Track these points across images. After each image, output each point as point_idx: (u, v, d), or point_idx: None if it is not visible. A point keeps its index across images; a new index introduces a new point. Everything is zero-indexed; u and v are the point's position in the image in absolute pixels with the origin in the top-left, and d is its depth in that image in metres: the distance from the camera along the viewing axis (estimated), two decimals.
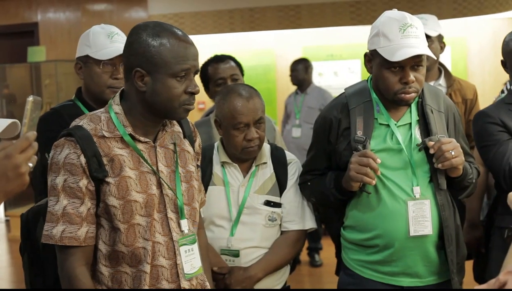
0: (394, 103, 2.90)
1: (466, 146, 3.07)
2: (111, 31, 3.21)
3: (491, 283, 1.64)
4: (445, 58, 7.55)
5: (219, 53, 4.21)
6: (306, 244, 7.73)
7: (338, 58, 10.50)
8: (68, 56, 8.38)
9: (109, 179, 2.33)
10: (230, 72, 3.95)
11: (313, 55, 10.33)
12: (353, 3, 9.83)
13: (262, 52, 10.67)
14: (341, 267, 3.21)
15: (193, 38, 8.71)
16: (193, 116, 7.27)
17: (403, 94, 2.82)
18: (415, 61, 2.79)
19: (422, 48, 2.78)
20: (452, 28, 9.49)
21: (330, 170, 3.06)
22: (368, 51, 2.93)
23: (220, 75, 3.94)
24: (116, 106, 2.42)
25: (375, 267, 2.96)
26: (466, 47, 10.04)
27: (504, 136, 3.17)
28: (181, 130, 2.59)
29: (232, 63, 4.01)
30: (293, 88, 8.31)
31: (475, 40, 10.13)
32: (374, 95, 2.97)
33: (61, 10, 10.47)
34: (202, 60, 4.28)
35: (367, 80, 3.05)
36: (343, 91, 3.09)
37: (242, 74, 4.06)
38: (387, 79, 2.83)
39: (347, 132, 2.95)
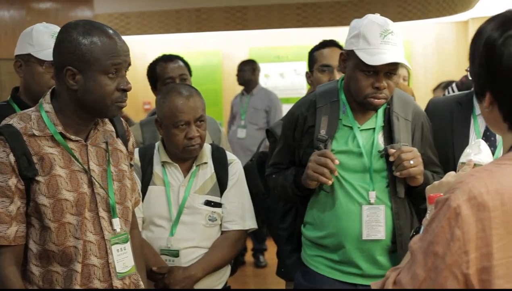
0: (362, 106, 2.90)
1: (433, 156, 3.08)
2: (54, 31, 3.16)
3: (377, 283, 1.73)
4: None
5: (166, 53, 4.19)
6: (251, 245, 7.75)
7: (284, 60, 10.52)
8: (12, 55, 8.24)
9: (39, 178, 2.30)
10: (178, 71, 3.94)
11: (260, 56, 10.35)
12: (299, 6, 9.87)
13: (209, 53, 10.65)
14: (281, 267, 3.21)
15: (139, 38, 8.70)
16: (139, 116, 7.23)
17: (372, 99, 2.83)
18: (390, 68, 2.80)
19: (399, 56, 2.79)
20: None
21: (294, 165, 3.09)
22: (344, 50, 2.93)
23: (169, 74, 3.92)
24: (46, 105, 2.39)
25: (330, 264, 2.98)
26: (411, 50, 10.15)
27: None
28: (113, 129, 2.57)
29: (181, 63, 4.01)
30: (240, 89, 8.32)
31: (419, 43, 10.25)
32: (342, 96, 2.98)
33: (5, 8, 10.29)
34: (148, 60, 4.27)
35: (338, 81, 3.07)
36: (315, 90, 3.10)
37: (190, 75, 4.05)
38: (360, 81, 2.84)
39: (312, 130, 2.97)
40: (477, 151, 2.03)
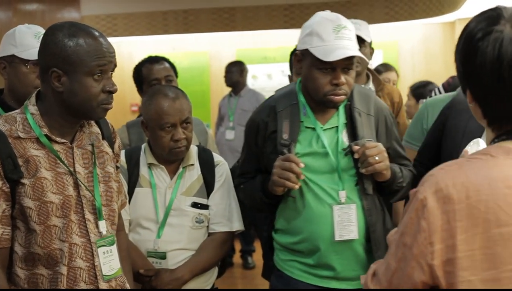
0: (322, 104, 2.87)
1: (400, 148, 3.07)
2: (37, 31, 3.16)
3: (364, 276, 1.79)
4: (377, 62, 7.64)
5: (152, 55, 4.18)
6: (239, 247, 7.75)
7: (272, 61, 10.53)
8: None
9: (24, 180, 2.29)
10: (164, 73, 3.92)
11: (247, 57, 10.34)
12: (287, 7, 9.87)
13: (196, 54, 10.64)
14: (268, 270, 3.20)
15: (127, 39, 8.66)
16: (126, 118, 7.21)
17: (332, 96, 2.80)
18: (346, 63, 2.78)
19: (355, 50, 2.77)
20: (384, 32, 9.63)
21: (260, 173, 3.05)
22: (298, 50, 2.90)
23: (154, 76, 3.91)
24: (32, 107, 2.38)
25: (305, 269, 2.94)
26: (398, 51, 10.18)
27: None
28: (99, 131, 2.56)
29: (166, 64, 4.00)
30: (227, 90, 8.32)
31: (406, 44, 10.28)
32: (301, 98, 2.94)
33: None
34: (136, 62, 4.26)
35: (295, 83, 3.02)
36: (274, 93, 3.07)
37: (176, 76, 4.04)
38: (317, 79, 2.80)
39: (274, 135, 2.93)
40: (476, 149, 2.02)
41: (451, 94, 3.74)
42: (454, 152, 3.01)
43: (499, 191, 1.54)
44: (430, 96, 5.04)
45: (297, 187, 2.79)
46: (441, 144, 3.17)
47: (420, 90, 6.24)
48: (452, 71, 4.46)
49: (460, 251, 1.52)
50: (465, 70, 1.65)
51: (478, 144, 1.88)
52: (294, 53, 2.92)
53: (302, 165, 2.77)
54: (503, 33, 1.58)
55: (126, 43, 10.45)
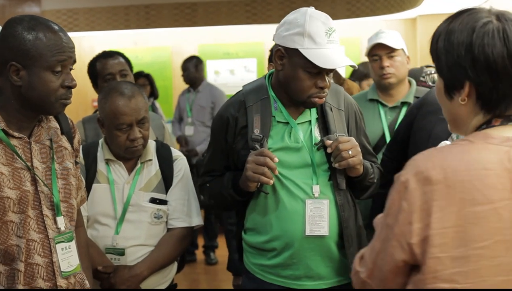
0: (302, 105, 2.83)
1: (368, 145, 3.06)
2: None
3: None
4: None
5: (114, 50, 4.14)
6: (202, 242, 7.74)
7: (234, 57, 10.52)
8: None
9: None
10: (118, 67, 3.87)
11: (209, 53, 10.34)
12: (248, 2, 9.87)
13: (158, 50, 10.60)
14: (233, 263, 3.17)
15: (88, 34, 8.54)
16: (88, 113, 7.14)
17: (316, 98, 2.76)
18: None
19: (345, 57, 2.74)
20: (346, 29, 9.67)
21: (229, 170, 2.98)
22: (281, 47, 2.79)
23: (109, 70, 3.86)
24: None
25: (276, 271, 2.87)
26: (359, 47, 10.22)
27: None
28: (58, 126, 2.54)
29: (121, 59, 3.94)
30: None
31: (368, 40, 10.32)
32: (271, 93, 2.90)
33: None
34: None
35: (264, 77, 2.98)
36: (241, 88, 3.01)
37: (131, 71, 4.00)
38: (303, 81, 2.74)
39: (245, 131, 2.87)
40: None
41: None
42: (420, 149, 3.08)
43: (476, 172, 1.62)
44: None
45: (272, 182, 2.73)
46: (408, 142, 3.21)
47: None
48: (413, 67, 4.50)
49: (433, 228, 1.60)
50: (467, 63, 1.70)
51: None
52: (276, 49, 2.81)
53: (276, 159, 2.72)
54: (493, 23, 1.70)
55: (88, 38, 10.37)
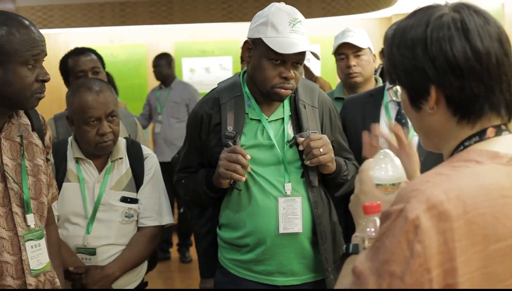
0: (268, 97, 2.84)
1: (344, 142, 3.07)
2: None
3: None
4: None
5: (88, 47, 4.12)
6: (176, 240, 7.74)
7: (210, 55, 10.51)
8: None
9: None
10: (90, 64, 3.86)
11: (185, 50, 10.32)
12: (224, 0, 9.86)
13: (134, 47, 10.56)
14: (207, 268, 3.18)
15: (63, 31, 8.48)
16: (63, 109, 7.10)
17: (280, 89, 2.77)
18: (297, 58, 2.76)
19: (308, 46, 2.75)
20: (321, 27, 9.70)
21: (204, 167, 3.00)
22: (249, 38, 2.85)
23: (81, 67, 3.85)
24: None
25: (249, 266, 2.90)
26: None
27: None
28: (29, 123, 2.52)
29: (93, 56, 3.93)
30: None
31: None
32: (246, 90, 2.91)
33: None
34: None
35: (239, 74, 3.00)
36: (216, 86, 3.02)
37: (104, 68, 3.98)
38: (266, 70, 2.76)
39: (218, 128, 2.88)
40: (389, 161, 1.82)
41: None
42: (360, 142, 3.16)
43: (496, 202, 1.39)
44: None
45: (244, 179, 2.76)
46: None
47: None
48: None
49: (461, 275, 1.34)
50: (430, 68, 1.47)
51: (390, 157, 1.72)
52: (244, 41, 2.86)
53: (248, 157, 2.74)
54: (450, 14, 1.48)
55: (63, 35, 10.31)
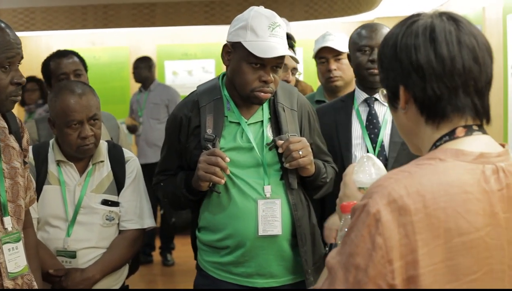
0: (247, 100, 2.85)
1: (322, 145, 3.08)
2: None
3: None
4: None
5: (70, 49, 4.10)
6: (159, 244, 7.72)
7: (192, 58, 10.48)
8: None
9: None
10: (72, 67, 3.84)
11: (168, 53, 10.30)
12: (207, 3, 9.84)
13: (116, 50, 10.52)
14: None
15: (46, 33, 8.45)
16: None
17: (259, 92, 2.78)
18: (277, 62, 2.77)
19: (287, 50, 2.77)
20: (304, 30, 9.70)
21: (183, 170, 3.00)
22: (228, 42, 2.86)
23: (63, 70, 3.83)
24: None
25: (228, 268, 2.90)
26: None
27: None
28: (6, 126, 2.51)
29: (75, 59, 3.91)
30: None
31: None
32: (225, 93, 2.92)
33: None
34: None
35: (218, 77, 3.00)
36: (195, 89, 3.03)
37: (86, 71, 3.96)
38: (246, 74, 2.78)
39: (198, 131, 2.89)
40: (371, 164, 1.85)
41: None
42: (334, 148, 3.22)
43: (457, 197, 1.44)
44: None
45: (223, 181, 2.76)
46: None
47: None
48: None
49: (423, 266, 1.40)
50: (398, 68, 1.59)
51: (372, 160, 1.76)
52: (224, 45, 2.87)
53: (228, 159, 2.75)
54: (423, 21, 1.58)
55: (45, 38, 10.26)
